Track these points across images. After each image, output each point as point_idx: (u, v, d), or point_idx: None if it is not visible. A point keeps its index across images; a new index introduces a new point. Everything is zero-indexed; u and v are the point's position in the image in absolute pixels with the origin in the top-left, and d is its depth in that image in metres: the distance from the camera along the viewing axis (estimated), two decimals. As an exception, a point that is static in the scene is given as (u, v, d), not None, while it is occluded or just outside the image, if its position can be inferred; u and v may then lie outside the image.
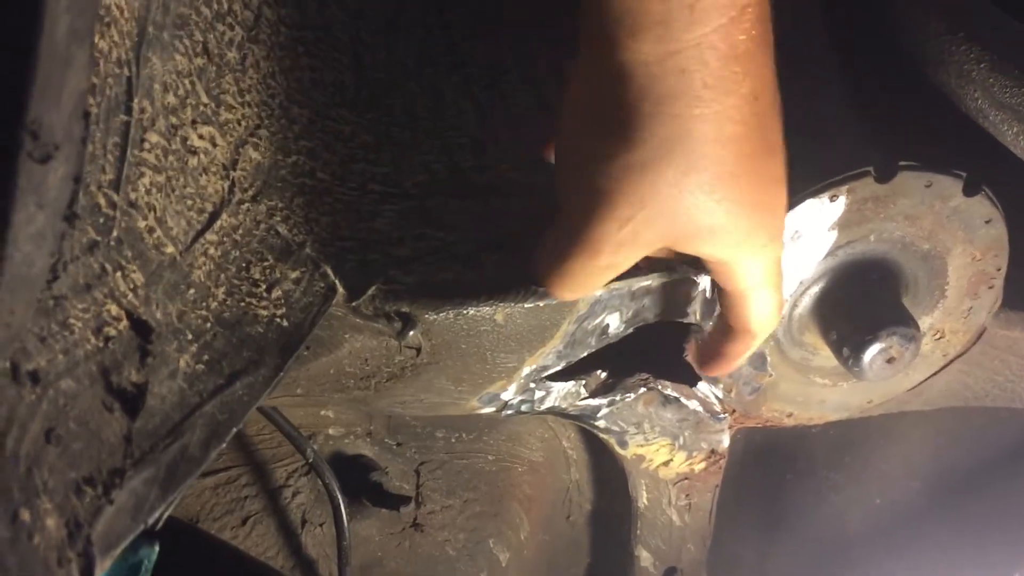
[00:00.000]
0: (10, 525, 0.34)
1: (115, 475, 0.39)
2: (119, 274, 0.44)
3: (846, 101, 0.77)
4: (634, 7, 0.44)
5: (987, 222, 0.75)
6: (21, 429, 0.36)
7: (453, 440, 0.90)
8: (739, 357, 0.61)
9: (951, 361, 0.84)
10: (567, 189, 0.53)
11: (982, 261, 0.78)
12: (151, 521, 0.41)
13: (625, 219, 0.49)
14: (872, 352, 0.74)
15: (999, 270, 0.79)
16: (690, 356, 0.80)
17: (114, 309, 0.43)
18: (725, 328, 0.60)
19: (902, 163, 0.71)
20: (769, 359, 0.80)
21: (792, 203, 0.70)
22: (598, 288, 0.56)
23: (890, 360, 0.74)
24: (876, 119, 0.76)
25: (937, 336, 0.82)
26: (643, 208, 0.48)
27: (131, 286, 0.45)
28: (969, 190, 0.73)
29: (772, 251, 0.54)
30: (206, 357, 0.49)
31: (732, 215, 0.50)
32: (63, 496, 0.37)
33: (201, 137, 0.57)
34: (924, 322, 0.80)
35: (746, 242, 0.52)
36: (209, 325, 0.50)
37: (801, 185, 0.70)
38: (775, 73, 0.49)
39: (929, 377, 0.85)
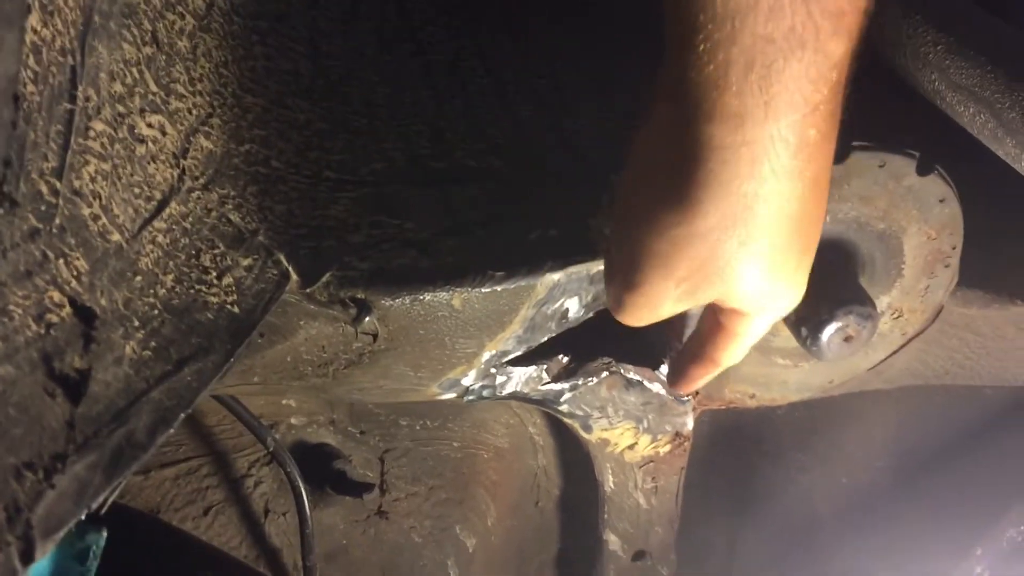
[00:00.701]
0: (-54, 510, 0.34)
1: (57, 460, 0.39)
2: (62, 261, 0.44)
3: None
4: (711, 97, 0.46)
5: (941, 201, 0.76)
6: (-42, 415, 0.36)
7: (417, 427, 0.90)
8: (702, 379, 0.65)
9: (910, 340, 0.85)
10: (628, 243, 0.55)
11: (937, 240, 0.79)
12: (95, 506, 0.41)
13: (682, 279, 0.53)
14: (830, 331, 0.74)
15: (954, 248, 0.79)
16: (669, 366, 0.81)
17: (56, 296, 0.43)
18: (694, 353, 0.64)
19: (855, 143, 0.72)
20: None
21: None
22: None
23: (847, 339, 0.75)
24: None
25: (895, 315, 0.83)
26: (700, 270, 0.52)
27: (74, 273, 0.45)
28: (922, 169, 0.74)
29: (786, 311, 0.58)
30: (153, 344, 0.49)
31: (775, 282, 0.54)
32: (2, 481, 0.37)
33: (150, 126, 0.56)
34: (882, 301, 0.80)
35: (773, 303, 0.56)
36: (157, 312, 0.50)
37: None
38: (832, 156, 0.51)
39: (889, 356, 0.85)
